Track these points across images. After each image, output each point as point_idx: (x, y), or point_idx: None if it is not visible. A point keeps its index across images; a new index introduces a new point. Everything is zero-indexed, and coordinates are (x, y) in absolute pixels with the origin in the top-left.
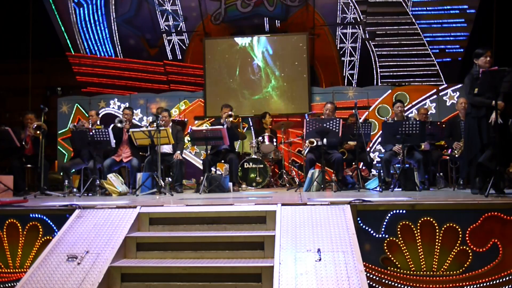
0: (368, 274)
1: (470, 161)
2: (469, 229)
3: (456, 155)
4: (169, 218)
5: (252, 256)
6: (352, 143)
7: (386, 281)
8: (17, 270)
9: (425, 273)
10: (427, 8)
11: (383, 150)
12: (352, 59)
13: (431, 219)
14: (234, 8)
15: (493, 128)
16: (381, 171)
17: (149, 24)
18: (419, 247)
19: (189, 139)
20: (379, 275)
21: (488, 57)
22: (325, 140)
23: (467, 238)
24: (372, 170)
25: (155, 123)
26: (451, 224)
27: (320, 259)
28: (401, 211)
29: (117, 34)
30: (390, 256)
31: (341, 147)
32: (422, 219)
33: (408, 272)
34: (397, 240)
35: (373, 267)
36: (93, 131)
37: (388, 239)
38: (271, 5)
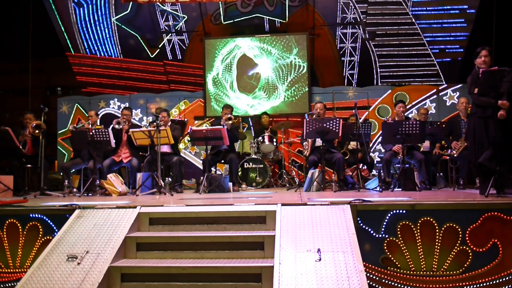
0: (368, 274)
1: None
2: (469, 229)
3: (455, 155)
4: (169, 218)
5: (252, 256)
6: (354, 143)
7: (386, 281)
8: (17, 270)
9: (425, 273)
10: (427, 8)
11: (383, 150)
12: (352, 59)
13: (431, 219)
14: (234, 8)
15: (495, 128)
16: (381, 171)
17: (149, 24)
18: (419, 247)
19: (189, 139)
20: (379, 275)
21: (483, 57)
22: (318, 140)
23: (467, 238)
24: (372, 170)
25: (155, 123)
26: (451, 224)
27: (320, 259)
28: (401, 211)
29: (117, 34)
30: (390, 256)
31: (342, 148)
32: (422, 219)
33: (408, 272)
34: (397, 240)
35: (373, 267)
36: (93, 131)
37: (388, 239)
38: (271, 5)
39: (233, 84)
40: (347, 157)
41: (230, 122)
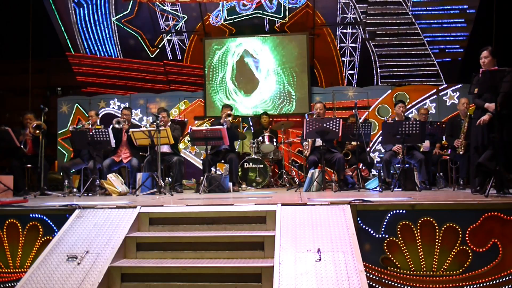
0: (368, 274)
1: (468, 159)
2: (469, 229)
3: (461, 152)
4: (169, 218)
5: (252, 256)
6: (355, 143)
7: (386, 281)
8: (17, 270)
9: (425, 273)
10: (427, 8)
11: (383, 150)
12: (352, 59)
13: (431, 219)
14: (234, 8)
15: (489, 129)
16: (381, 171)
17: (149, 24)
18: (419, 247)
19: (189, 139)
20: (379, 275)
21: (483, 57)
22: (318, 140)
23: (467, 238)
24: (372, 170)
25: (155, 123)
26: (451, 224)
27: (320, 259)
28: (401, 211)
29: (117, 34)
30: (390, 256)
31: (342, 148)
32: (422, 219)
33: (408, 272)
34: (397, 240)
35: (373, 267)
36: (93, 131)
37: (388, 239)
38: (271, 5)
39: (232, 84)
40: (349, 158)
41: (230, 118)
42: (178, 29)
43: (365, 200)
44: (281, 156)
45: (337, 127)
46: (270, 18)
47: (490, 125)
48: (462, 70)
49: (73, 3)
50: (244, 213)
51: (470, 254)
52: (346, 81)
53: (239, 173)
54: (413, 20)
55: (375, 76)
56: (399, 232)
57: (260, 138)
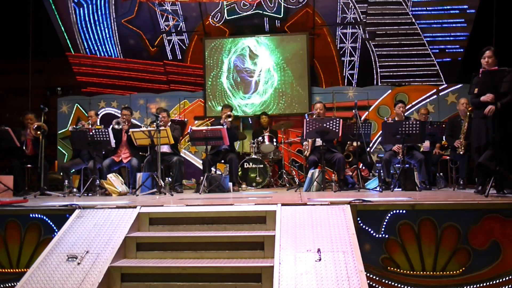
0: (368, 274)
1: (469, 158)
2: (469, 229)
3: (461, 152)
4: (169, 218)
5: (252, 256)
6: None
7: (386, 281)
8: (17, 270)
9: (425, 273)
10: (427, 8)
11: (383, 150)
12: (352, 59)
13: (431, 219)
14: (234, 8)
15: (493, 128)
16: (381, 171)
17: (149, 24)
18: (419, 247)
19: (189, 139)
20: (379, 275)
21: (486, 57)
22: (318, 140)
23: (467, 238)
24: (372, 170)
25: (155, 123)
26: (451, 224)
27: (320, 259)
28: (401, 211)
29: (117, 34)
30: (390, 256)
31: (343, 149)
32: (422, 219)
33: (408, 272)
34: (397, 240)
35: (373, 267)
36: (93, 131)
37: (388, 239)
38: (271, 5)
39: (231, 84)
40: (350, 159)
41: (230, 119)
42: (178, 29)
43: (365, 200)
44: (281, 156)
45: (337, 127)
46: (270, 18)
47: (491, 124)
48: (462, 70)
49: (73, 3)
50: (244, 213)
51: (470, 254)
52: (346, 81)
53: (239, 173)
54: (413, 20)
55: (375, 76)
56: (399, 232)
57: (260, 138)
